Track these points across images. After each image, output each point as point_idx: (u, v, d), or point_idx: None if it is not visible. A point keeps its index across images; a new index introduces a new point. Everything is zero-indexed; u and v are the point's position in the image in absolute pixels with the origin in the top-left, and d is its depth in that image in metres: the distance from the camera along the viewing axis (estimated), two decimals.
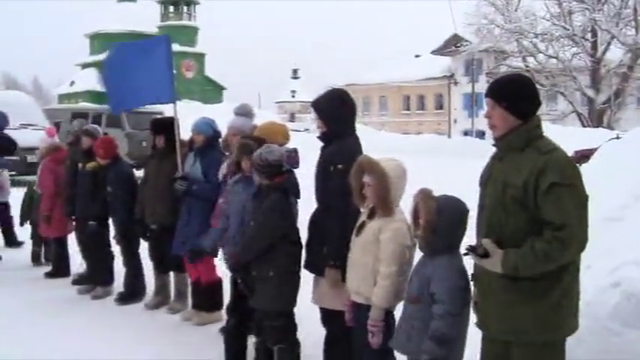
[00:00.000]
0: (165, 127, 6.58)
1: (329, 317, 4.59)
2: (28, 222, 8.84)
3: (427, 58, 57.18)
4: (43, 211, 7.88)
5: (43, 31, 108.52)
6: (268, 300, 4.55)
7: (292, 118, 47.64)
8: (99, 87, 52.98)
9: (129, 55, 6.82)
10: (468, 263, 3.47)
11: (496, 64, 44.17)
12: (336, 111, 4.55)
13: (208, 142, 6.11)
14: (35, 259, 8.64)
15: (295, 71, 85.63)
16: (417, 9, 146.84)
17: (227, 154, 5.78)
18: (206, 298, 6.26)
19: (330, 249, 4.33)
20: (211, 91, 61.98)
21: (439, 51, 53.77)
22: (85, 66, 62.83)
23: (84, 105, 28.14)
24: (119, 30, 59.65)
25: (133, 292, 7.00)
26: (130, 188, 6.84)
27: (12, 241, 9.49)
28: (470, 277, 3.45)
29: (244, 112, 6.01)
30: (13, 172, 10.74)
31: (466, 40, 44.02)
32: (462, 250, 3.44)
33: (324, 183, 4.48)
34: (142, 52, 6.85)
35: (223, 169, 5.70)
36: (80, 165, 7.24)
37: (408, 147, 24.53)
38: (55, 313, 6.64)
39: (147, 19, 61.49)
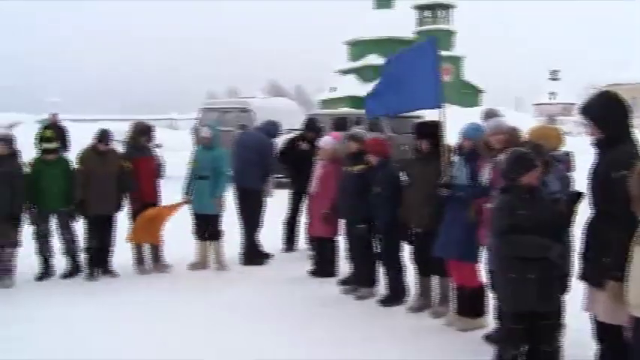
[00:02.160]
0: (431, 131, 6.59)
1: (606, 331, 4.36)
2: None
3: None
4: (319, 211, 8.13)
5: (306, 42, 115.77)
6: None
7: (551, 121, 45.74)
8: (359, 92, 54.93)
9: (400, 62, 6.94)
10: None
11: None
12: (610, 116, 4.32)
13: (476, 147, 6.02)
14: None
15: (555, 72, 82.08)
16: None
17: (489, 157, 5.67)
18: (470, 303, 6.20)
19: (614, 259, 4.08)
20: (468, 95, 61.61)
21: None
22: (344, 72, 65.66)
23: (344, 110, 29.31)
24: (376, 36, 61.54)
25: (395, 295, 7.09)
26: (395, 190, 6.90)
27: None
28: None
29: (491, 116, 5.91)
30: (280, 175, 11.32)
31: None
32: None
33: (604, 190, 4.25)
34: (411, 57, 6.95)
35: (488, 172, 5.59)
36: (347, 168, 7.48)
37: None
38: (317, 312, 6.94)
39: (403, 24, 62.74)
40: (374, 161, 7.07)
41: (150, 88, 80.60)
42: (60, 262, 8.53)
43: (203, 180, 8.69)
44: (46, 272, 8.45)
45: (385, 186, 6.93)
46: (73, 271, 8.51)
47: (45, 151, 8.40)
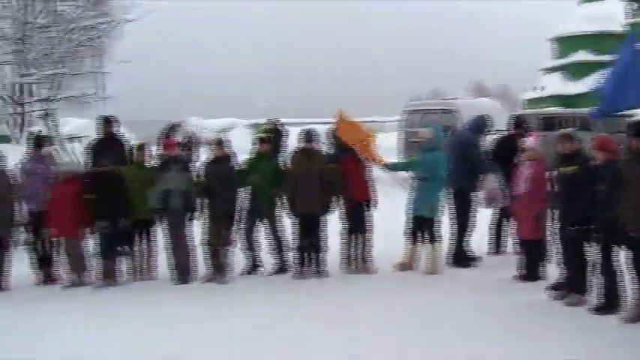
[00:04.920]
0: None
1: None
2: None
3: None
4: (527, 212, 7.89)
5: (509, 40, 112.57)
6: None
7: None
8: (566, 91, 52.43)
9: (623, 56, 6.62)
10: None
11: None
12: None
13: None
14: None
15: None
16: None
17: None
18: None
19: None
20: None
21: None
22: (549, 70, 63.03)
23: (552, 109, 28.11)
24: (584, 31, 58.39)
25: (609, 303, 6.71)
26: (620, 190, 6.48)
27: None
28: None
29: None
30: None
31: None
32: None
33: None
34: (625, 53, 6.61)
35: None
36: (560, 169, 7.20)
37: None
38: (522, 317, 6.77)
39: (612, 18, 58.98)
40: (602, 158, 6.72)
41: (352, 90, 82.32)
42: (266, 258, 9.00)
43: (422, 182, 8.72)
44: (253, 268, 8.99)
45: (611, 184, 6.53)
46: (281, 269, 8.92)
47: (259, 153, 8.96)
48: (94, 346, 6.17)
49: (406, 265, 8.87)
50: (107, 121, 9.66)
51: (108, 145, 9.34)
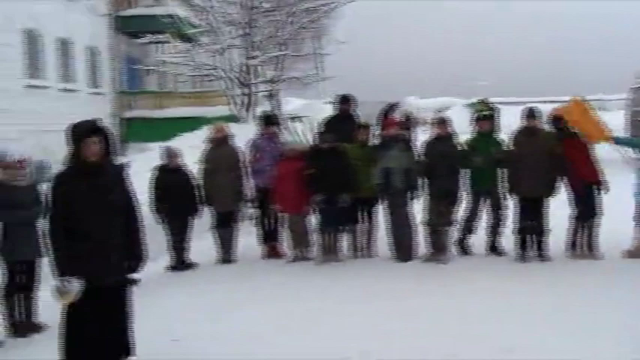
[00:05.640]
0: None
1: None
2: None
3: None
4: None
5: None
6: None
7: None
8: None
9: None
10: None
11: None
12: None
13: None
14: None
15: None
16: None
17: None
18: None
19: None
20: None
21: None
22: None
23: None
24: None
25: None
26: None
27: None
28: None
29: None
30: None
31: None
32: None
33: None
34: None
35: None
36: None
37: None
38: None
39: None
40: None
41: (576, 68, 77.48)
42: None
43: None
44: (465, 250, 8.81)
45: None
46: (495, 251, 8.71)
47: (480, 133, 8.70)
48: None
49: (636, 253, 8.22)
50: (345, 99, 9.81)
51: (341, 122, 9.45)
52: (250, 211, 9.49)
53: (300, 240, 8.90)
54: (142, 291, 5.54)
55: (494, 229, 8.68)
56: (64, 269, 4.50)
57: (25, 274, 6.48)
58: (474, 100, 18.69)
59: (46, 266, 5.57)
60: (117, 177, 4.85)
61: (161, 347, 5.50)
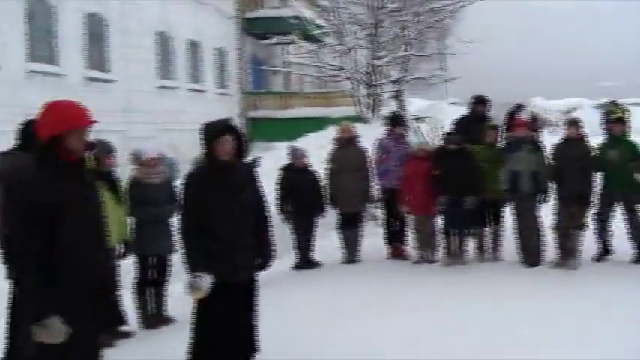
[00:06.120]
0: None
1: None
2: None
3: None
4: None
5: None
6: None
7: None
8: None
9: None
10: None
11: None
12: None
13: None
14: None
15: None
16: None
17: None
18: None
19: None
20: None
21: None
22: None
23: None
24: None
25: None
26: None
27: None
28: None
29: None
30: None
31: None
32: None
33: None
34: None
35: None
36: None
37: None
38: None
39: None
40: None
41: None
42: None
43: None
44: (604, 254, 8.46)
45: None
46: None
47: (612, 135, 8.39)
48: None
49: None
50: (480, 100, 9.59)
51: (472, 123, 9.25)
52: (376, 211, 9.39)
53: (426, 241, 8.76)
54: (267, 289, 5.55)
55: (636, 234, 8.21)
56: (195, 266, 4.56)
57: (157, 268, 6.70)
58: (604, 100, 17.74)
59: (177, 262, 5.71)
60: (248, 176, 4.89)
61: (284, 346, 5.49)
